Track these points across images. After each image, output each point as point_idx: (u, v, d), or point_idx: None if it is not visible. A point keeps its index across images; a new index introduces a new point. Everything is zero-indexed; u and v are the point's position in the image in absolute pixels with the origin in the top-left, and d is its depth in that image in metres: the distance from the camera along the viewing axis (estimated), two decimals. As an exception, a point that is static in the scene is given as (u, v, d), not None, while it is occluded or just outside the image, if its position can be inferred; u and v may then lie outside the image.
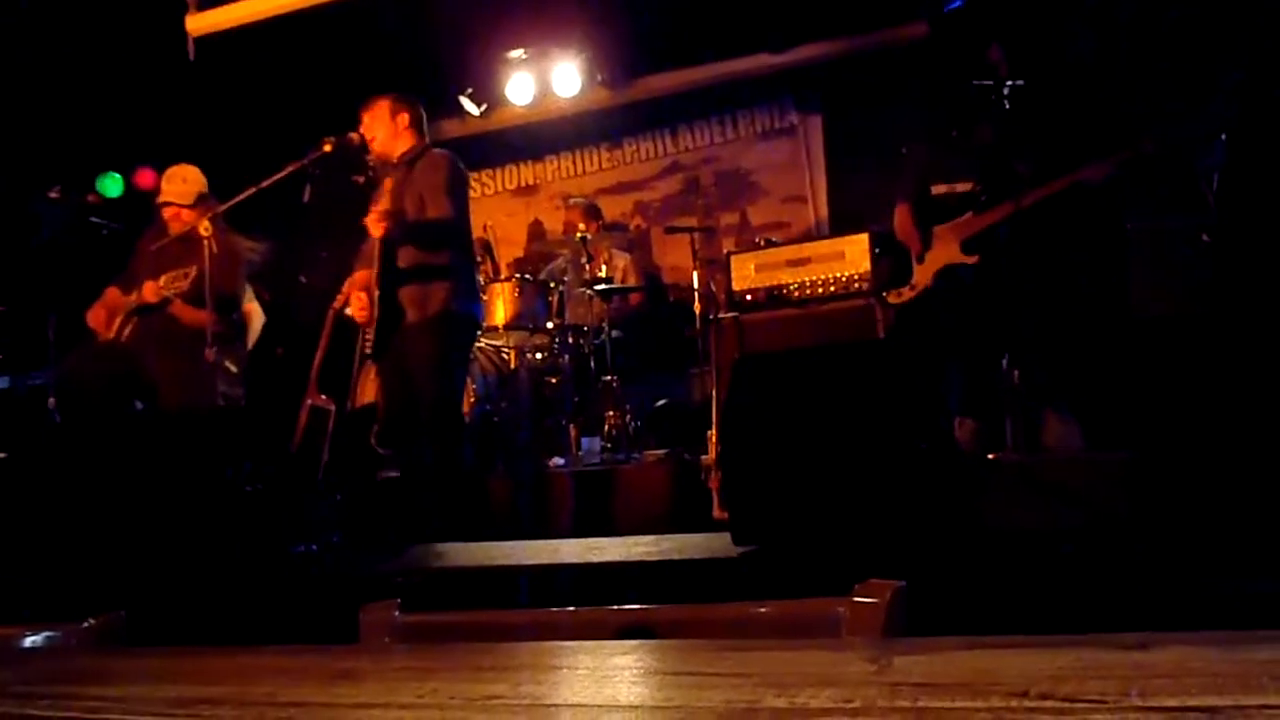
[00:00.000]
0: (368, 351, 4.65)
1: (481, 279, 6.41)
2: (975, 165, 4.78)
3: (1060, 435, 4.42)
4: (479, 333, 5.23)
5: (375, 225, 4.42)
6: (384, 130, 4.79)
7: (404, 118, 4.79)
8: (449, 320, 4.63)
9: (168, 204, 5.21)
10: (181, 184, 5.24)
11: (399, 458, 4.87)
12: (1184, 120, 4.51)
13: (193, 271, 4.88)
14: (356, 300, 4.64)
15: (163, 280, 4.96)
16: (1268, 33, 5.02)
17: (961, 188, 4.80)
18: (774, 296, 4.88)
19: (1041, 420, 4.48)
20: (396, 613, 1.58)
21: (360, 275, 4.72)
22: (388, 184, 4.51)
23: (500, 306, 6.21)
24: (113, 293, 5.25)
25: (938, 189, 4.86)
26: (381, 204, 4.42)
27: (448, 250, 4.66)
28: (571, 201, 7.25)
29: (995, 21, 5.61)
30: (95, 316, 5.22)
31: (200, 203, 5.17)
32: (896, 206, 4.94)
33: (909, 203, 4.90)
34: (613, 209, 7.75)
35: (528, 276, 6.52)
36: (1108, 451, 3.61)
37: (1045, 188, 4.47)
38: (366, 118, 4.82)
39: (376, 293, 4.53)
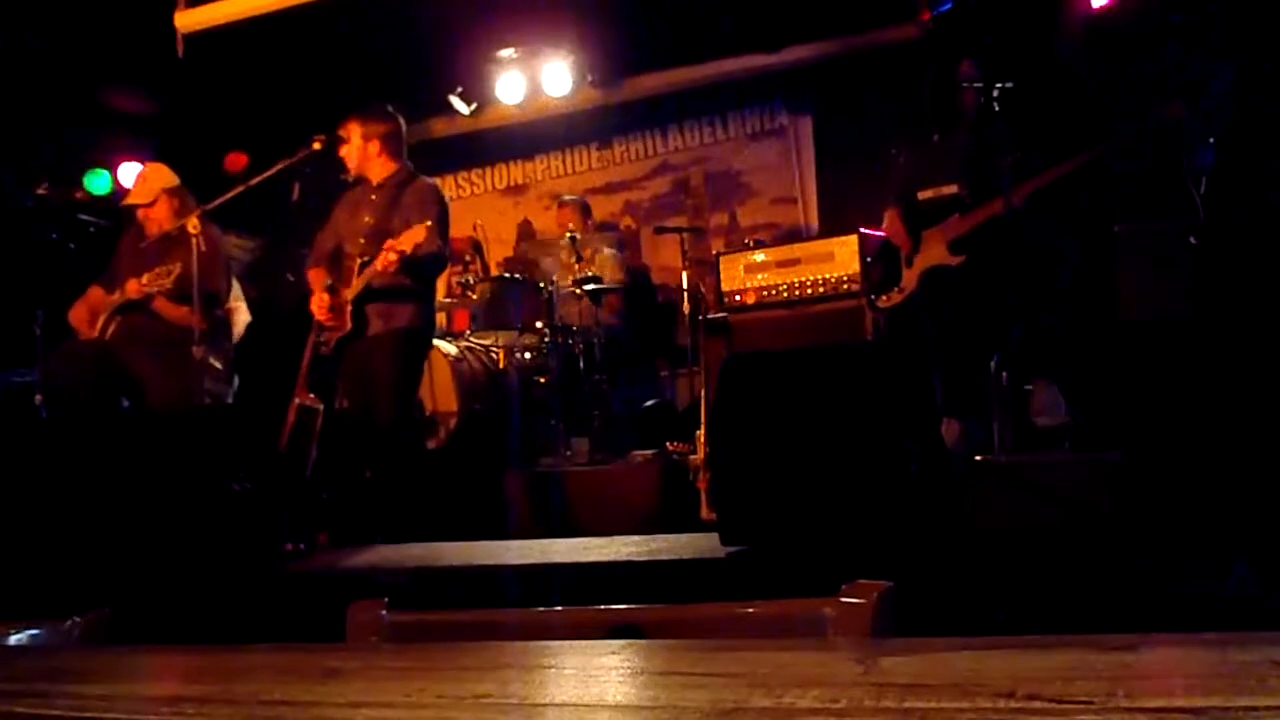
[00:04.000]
0: (324, 353, 4.72)
1: (470, 278, 6.42)
2: (959, 168, 4.79)
3: (1046, 405, 4.45)
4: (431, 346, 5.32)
5: (388, 261, 4.47)
6: (356, 154, 4.85)
7: (375, 144, 4.85)
8: (412, 336, 4.80)
9: (134, 206, 5.23)
10: (142, 183, 5.26)
11: (367, 459, 4.90)
12: (1160, 115, 4.53)
13: (176, 269, 4.88)
14: (319, 301, 4.70)
15: (145, 278, 4.96)
16: (1257, 36, 5.04)
17: (947, 191, 4.81)
18: (763, 297, 4.89)
19: (1029, 394, 4.51)
20: (384, 612, 1.58)
21: (317, 274, 4.83)
22: (409, 235, 4.53)
23: (489, 306, 6.21)
24: (95, 292, 5.24)
25: (924, 194, 4.88)
26: (398, 243, 4.46)
27: (418, 278, 4.79)
28: (564, 200, 7.24)
29: (983, 23, 5.63)
30: (77, 315, 5.21)
31: (166, 198, 5.17)
32: (886, 211, 4.96)
33: (897, 207, 4.91)
34: (602, 209, 7.74)
35: (517, 276, 6.52)
36: (1095, 453, 3.62)
37: (1029, 183, 4.48)
38: (344, 145, 4.86)
39: (349, 306, 4.61)
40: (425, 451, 5.46)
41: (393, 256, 4.45)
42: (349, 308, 4.68)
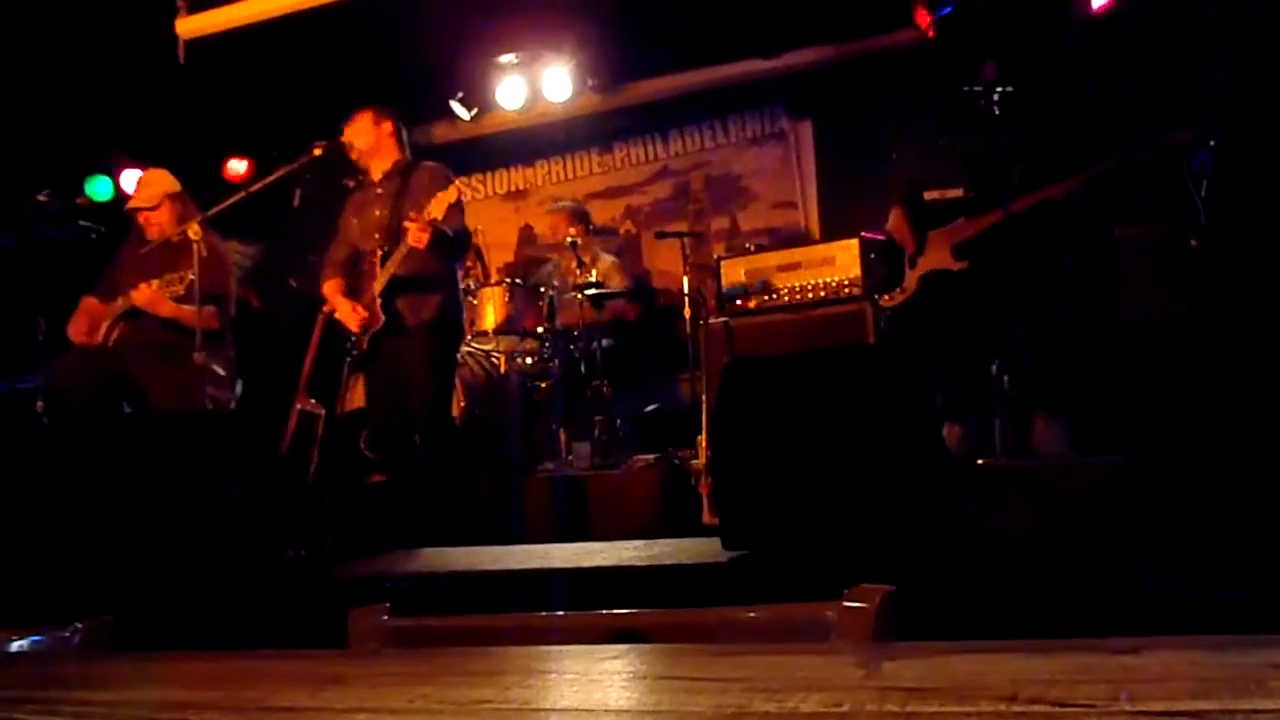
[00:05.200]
0: (358, 351, 4.68)
1: (471, 283, 6.42)
2: (965, 171, 4.79)
3: (1048, 438, 4.43)
4: (463, 340, 5.27)
5: (419, 235, 4.43)
6: (367, 141, 4.83)
7: (387, 126, 4.83)
8: (441, 327, 4.74)
9: (137, 210, 5.23)
10: (145, 188, 5.26)
11: (388, 462, 4.87)
12: (1174, 126, 4.53)
13: (187, 275, 4.86)
14: (350, 309, 4.68)
15: (156, 285, 4.94)
16: (1258, 39, 5.04)
17: (953, 193, 4.81)
18: (764, 302, 4.88)
19: (1030, 423, 4.49)
20: (386, 617, 1.58)
21: (334, 285, 4.81)
22: (439, 199, 4.49)
23: (490, 311, 6.21)
24: (90, 302, 5.21)
25: (930, 195, 4.87)
26: (426, 214, 4.43)
27: (443, 260, 4.69)
28: (557, 206, 7.22)
29: (985, 28, 5.63)
30: (76, 326, 5.18)
31: (169, 203, 5.17)
32: (891, 209, 4.96)
33: (903, 205, 4.92)
34: (603, 214, 7.74)
35: (518, 281, 6.52)
36: (1097, 456, 3.61)
37: (1038, 193, 4.48)
38: (348, 130, 4.83)
39: (379, 300, 4.59)
40: (455, 450, 5.36)
41: (425, 235, 4.41)
42: (378, 301, 4.65)
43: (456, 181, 4.77)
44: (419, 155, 5.06)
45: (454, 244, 4.72)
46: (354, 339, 4.71)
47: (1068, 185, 4.48)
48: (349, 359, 4.73)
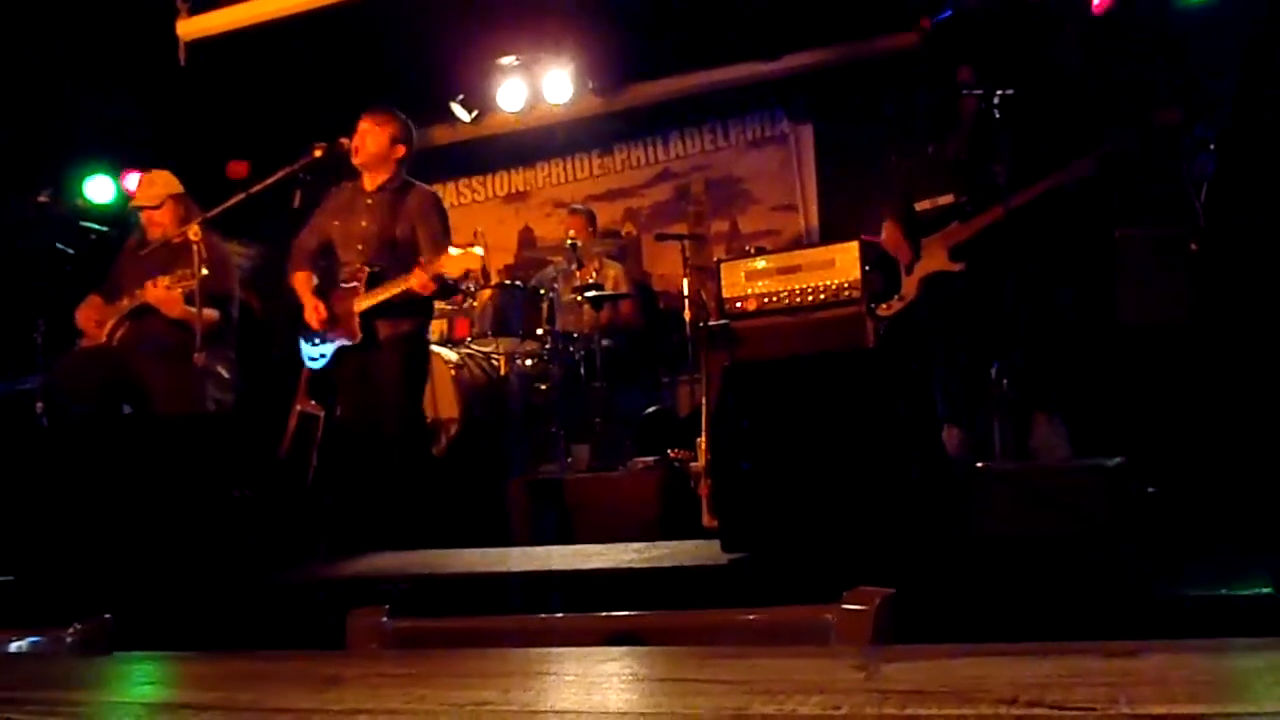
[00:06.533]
0: (319, 357, 4.75)
1: (471, 285, 6.42)
2: (955, 177, 4.80)
3: (1048, 440, 4.43)
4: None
5: (426, 284, 4.54)
6: (376, 152, 4.81)
7: (400, 150, 4.84)
8: (415, 341, 4.83)
9: (141, 208, 5.23)
10: (149, 187, 5.26)
11: (367, 468, 4.88)
12: (1166, 121, 4.52)
13: (195, 275, 4.85)
14: (313, 308, 4.71)
15: (167, 282, 4.93)
16: (1257, 43, 5.05)
17: (943, 201, 4.82)
18: (764, 304, 4.88)
19: (1030, 426, 4.48)
20: (385, 618, 1.58)
21: (303, 277, 4.88)
22: (456, 261, 4.55)
23: (490, 313, 6.20)
24: (95, 300, 5.21)
25: (921, 205, 4.88)
26: (438, 268, 4.51)
27: None
28: (573, 208, 7.25)
29: (984, 32, 5.63)
30: (86, 316, 5.18)
31: (172, 203, 5.17)
32: (884, 223, 4.97)
33: (896, 219, 4.93)
34: (603, 216, 7.74)
35: (518, 283, 6.52)
36: (1096, 459, 3.62)
37: (1029, 189, 4.47)
38: (365, 126, 4.81)
39: (358, 319, 4.62)
40: (431, 457, 5.45)
41: (433, 286, 4.55)
42: (356, 319, 4.65)
43: (444, 210, 4.93)
44: (420, 165, 5.07)
45: (450, 290, 4.98)
46: (316, 344, 4.76)
47: (1059, 179, 4.47)
48: (311, 361, 4.80)
